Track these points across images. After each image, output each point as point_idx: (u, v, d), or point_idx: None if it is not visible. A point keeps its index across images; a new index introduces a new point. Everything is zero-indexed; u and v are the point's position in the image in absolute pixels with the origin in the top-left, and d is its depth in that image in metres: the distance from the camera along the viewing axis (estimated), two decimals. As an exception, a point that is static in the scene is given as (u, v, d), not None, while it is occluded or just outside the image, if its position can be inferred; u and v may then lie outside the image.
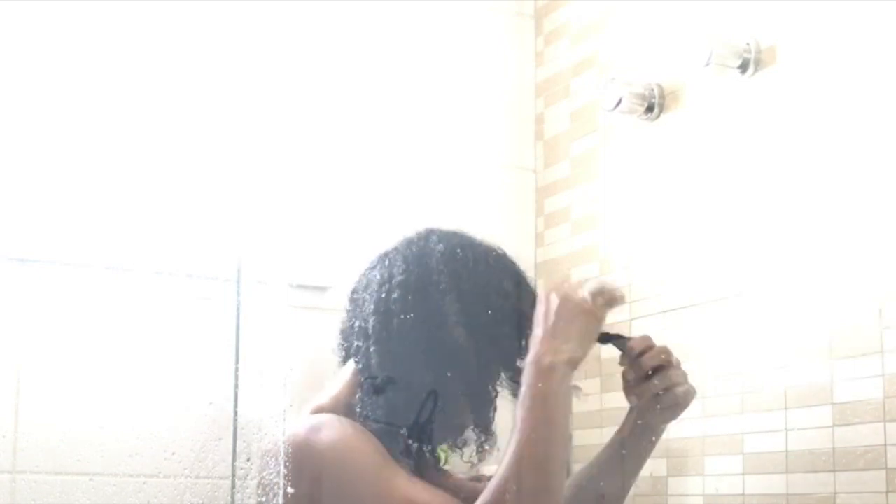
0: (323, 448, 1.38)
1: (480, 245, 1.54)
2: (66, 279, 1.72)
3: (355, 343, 1.49)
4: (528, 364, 1.39)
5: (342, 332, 1.55)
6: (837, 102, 1.56)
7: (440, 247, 1.50)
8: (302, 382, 1.48)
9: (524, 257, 2.13)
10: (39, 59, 1.77)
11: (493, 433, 1.49)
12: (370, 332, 1.46)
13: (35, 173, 1.74)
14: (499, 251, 1.55)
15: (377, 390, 1.44)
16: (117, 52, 1.80)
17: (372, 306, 1.47)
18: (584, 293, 1.41)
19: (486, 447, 1.50)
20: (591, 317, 1.41)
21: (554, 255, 2.12)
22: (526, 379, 1.38)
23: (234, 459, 1.30)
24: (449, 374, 1.45)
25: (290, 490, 1.34)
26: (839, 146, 1.56)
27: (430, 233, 1.53)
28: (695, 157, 1.81)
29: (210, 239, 1.74)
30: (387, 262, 1.50)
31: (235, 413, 1.29)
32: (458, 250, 1.51)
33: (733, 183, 1.73)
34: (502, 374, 1.50)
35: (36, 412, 1.66)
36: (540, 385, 1.36)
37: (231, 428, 1.30)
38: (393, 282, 1.47)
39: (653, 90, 1.89)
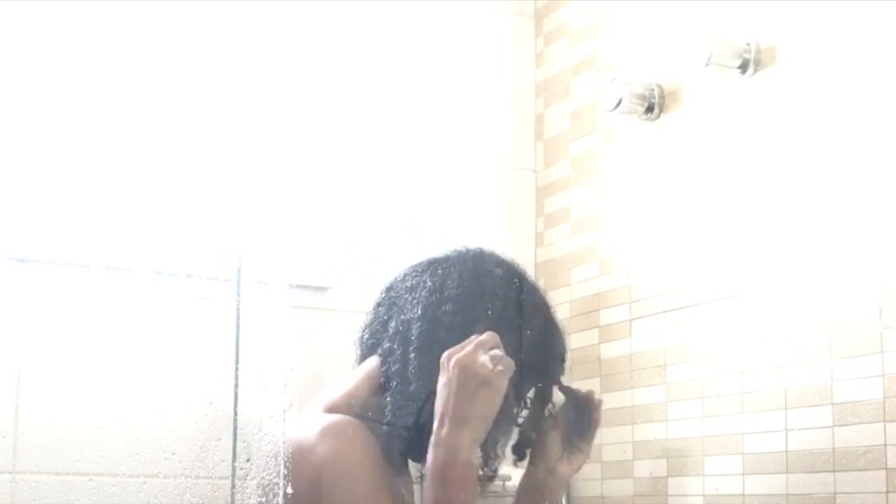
0: (326, 460, 1.37)
1: (533, 281, 1.57)
2: (66, 279, 1.71)
3: (387, 343, 1.48)
4: (431, 445, 1.36)
5: (369, 327, 1.54)
6: (837, 102, 1.56)
7: (498, 271, 1.51)
8: (302, 382, 1.48)
9: (524, 257, 2.14)
10: (39, 59, 1.76)
11: (500, 457, 1.50)
12: (412, 336, 1.45)
13: (35, 173, 1.74)
14: (544, 292, 1.57)
15: (408, 396, 1.43)
16: (117, 51, 1.80)
17: (418, 311, 1.46)
18: (483, 359, 1.36)
19: (494, 466, 1.50)
20: (490, 388, 1.36)
21: (554, 255, 2.12)
22: (430, 459, 1.36)
23: (234, 459, 1.30)
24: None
25: (289, 490, 1.34)
26: (839, 146, 1.56)
27: (486, 254, 1.54)
28: (695, 157, 1.81)
29: (210, 239, 1.74)
30: (439, 271, 1.50)
31: (235, 413, 1.29)
32: (516, 280, 1.52)
33: (733, 183, 1.73)
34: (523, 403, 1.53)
35: (36, 412, 1.66)
36: (445, 468, 1.35)
37: (231, 428, 1.30)
38: (445, 293, 1.47)
39: (653, 90, 1.89)
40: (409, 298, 1.49)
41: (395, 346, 1.46)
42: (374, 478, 1.39)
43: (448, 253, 1.55)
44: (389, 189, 2.06)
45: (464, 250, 1.55)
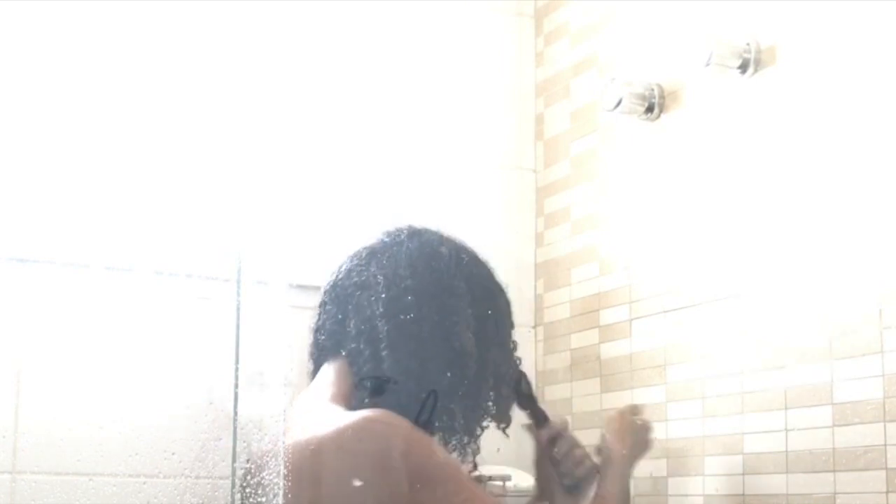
0: (426, 445, 1.36)
1: (472, 250, 1.54)
2: (66, 279, 1.71)
3: (352, 344, 1.47)
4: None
5: (322, 328, 1.51)
6: (837, 102, 1.56)
7: (443, 249, 1.50)
8: (302, 382, 1.48)
9: (524, 257, 2.14)
10: (39, 59, 1.77)
11: (478, 437, 1.50)
12: (379, 335, 1.43)
13: (35, 173, 1.74)
14: (485, 259, 1.55)
15: (383, 392, 1.43)
16: (117, 51, 1.80)
17: (379, 308, 1.44)
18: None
19: (470, 451, 1.49)
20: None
21: (554, 255, 2.12)
22: None
23: (233, 459, 1.30)
24: (459, 379, 1.45)
25: (357, 483, 1.31)
26: (839, 146, 1.56)
27: (422, 231, 1.52)
28: (695, 157, 1.82)
29: (210, 239, 1.74)
30: (384, 262, 1.48)
31: (235, 413, 1.29)
32: (463, 255, 1.51)
33: (733, 183, 1.73)
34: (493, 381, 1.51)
35: (36, 412, 1.66)
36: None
37: (231, 428, 1.30)
38: (402, 285, 1.46)
39: (653, 90, 1.89)
40: (365, 296, 1.46)
41: (362, 347, 1.44)
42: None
43: (381, 238, 1.52)
44: (389, 189, 2.06)
45: (395, 231, 1.52)
